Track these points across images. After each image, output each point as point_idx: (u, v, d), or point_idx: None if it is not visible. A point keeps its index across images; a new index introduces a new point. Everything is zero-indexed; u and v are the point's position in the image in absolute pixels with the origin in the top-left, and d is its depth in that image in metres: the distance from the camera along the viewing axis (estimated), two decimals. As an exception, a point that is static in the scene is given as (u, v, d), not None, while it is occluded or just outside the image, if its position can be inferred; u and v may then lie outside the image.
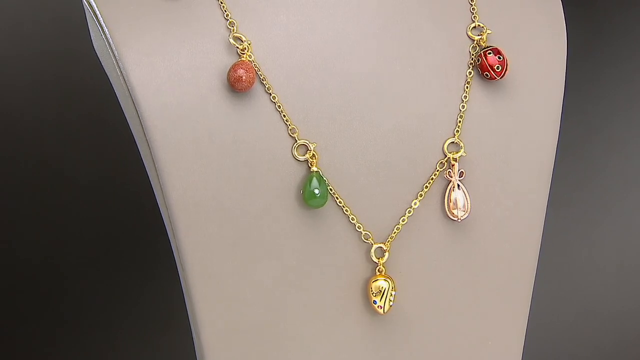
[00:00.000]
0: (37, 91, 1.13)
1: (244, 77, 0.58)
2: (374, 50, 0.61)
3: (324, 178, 0.60)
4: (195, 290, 0.60)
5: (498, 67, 0.61)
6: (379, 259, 0.61)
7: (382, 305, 0.60)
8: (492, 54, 0.61)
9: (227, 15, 0.61)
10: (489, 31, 0.63)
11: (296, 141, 0.60)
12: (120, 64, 0.60)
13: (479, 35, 0.63)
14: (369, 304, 0.61)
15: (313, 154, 0.60)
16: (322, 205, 0.59)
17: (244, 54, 0.60)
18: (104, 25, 0.61)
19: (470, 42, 0.63)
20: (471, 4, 0.64)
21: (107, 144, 1.16)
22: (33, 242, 1.17)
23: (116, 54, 0.60)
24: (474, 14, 0.63)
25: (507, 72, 0.61)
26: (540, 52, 0.64)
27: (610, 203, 1.15)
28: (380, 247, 0.61)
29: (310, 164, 0.60)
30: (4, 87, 1.12)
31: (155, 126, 0.59)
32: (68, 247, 1.17)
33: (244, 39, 0.60)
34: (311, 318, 0.61)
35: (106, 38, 0.61)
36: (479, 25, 0.63)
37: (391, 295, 0.60)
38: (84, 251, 1.18)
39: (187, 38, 0.60)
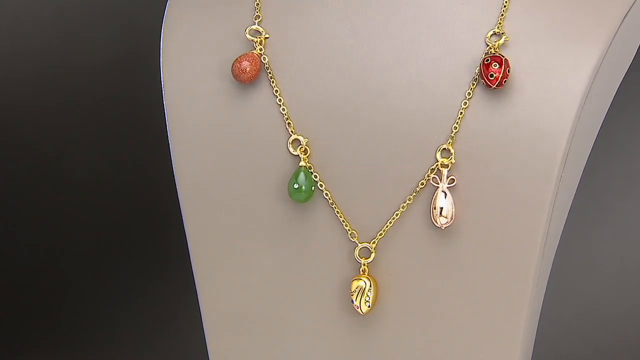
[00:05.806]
0: (37, 90, 1.18)
1: (247, 69, 0.62)
2: (387, 54, 0.62)
3: (313, 173, 0.61)
4: (196, 274, 0.65)
5: (492, 75, 0.58)
6: (363, 258, 0.61)
7: (359, 305, 0.61)
8: (490, 61, 0.59)
9: (257, 6, 0.64)
10: (507, 38, 0.60)
11: (291, 135, 0.62)
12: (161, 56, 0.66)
13: (495, 42, 0.60)
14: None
15: (305, 149, 0.62)
16: (306, 200, 0.61)
17: (257, 47, 0.63)
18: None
19: (485, 48, 0.61)
20: (503, 7, 0.61)
21: (108, 143, 1.19)
22: (33, 241, 1.22)
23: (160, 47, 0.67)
24: (500, 20, 0.61)
25: (505, 81, 0.58)
26: (566, 60, 0.59)
27: (611, 202, 1.15)
28: (366, 247, 0.61)
29: (301, 158, 0.62)
30: (5, 86, 1.18)
31: (174, 120, 0.64)
32: (69, 247, 1.22)
33: (262, 31, 0.63)
34: (296, 312, 0.64)
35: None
36: (497, 31, 0.61)
37: (367, 296, 0.60)
38: (84, 251, 1.22)
39: (215, 29, 0.65)
